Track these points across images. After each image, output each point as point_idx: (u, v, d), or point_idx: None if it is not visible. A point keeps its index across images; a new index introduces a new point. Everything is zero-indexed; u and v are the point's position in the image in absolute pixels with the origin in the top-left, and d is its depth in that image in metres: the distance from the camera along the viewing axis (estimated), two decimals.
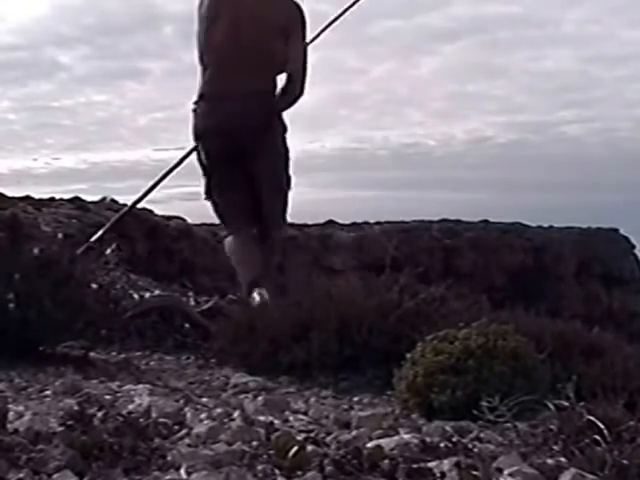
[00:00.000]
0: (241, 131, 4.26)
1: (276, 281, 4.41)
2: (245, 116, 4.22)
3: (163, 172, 5.02)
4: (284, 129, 4.50)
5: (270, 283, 4.38)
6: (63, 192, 14.05)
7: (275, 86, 4.44)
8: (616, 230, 33.83)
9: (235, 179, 4.48)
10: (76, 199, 13.77)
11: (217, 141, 4.39)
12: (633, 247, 33.17)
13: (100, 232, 5.20)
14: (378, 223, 27.03)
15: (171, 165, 4.96)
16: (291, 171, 4.49)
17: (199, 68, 4.48)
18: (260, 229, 4.60)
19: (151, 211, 17.57)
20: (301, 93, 4.32)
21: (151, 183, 5.12)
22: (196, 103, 4.42)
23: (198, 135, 4.47)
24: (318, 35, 4.73)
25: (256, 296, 4.30)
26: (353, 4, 4.86)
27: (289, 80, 4.33)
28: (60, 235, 6.68)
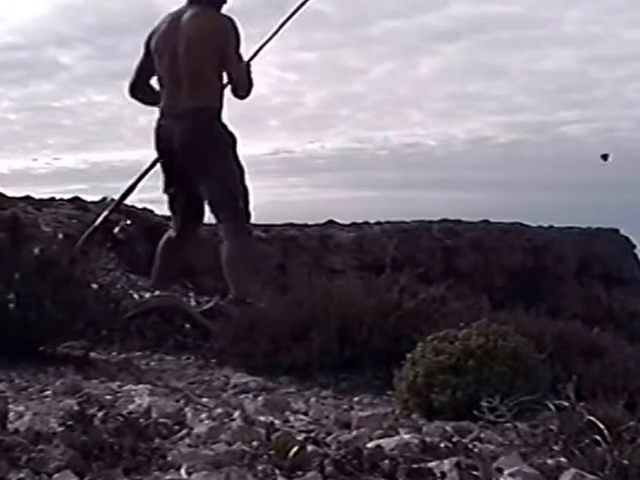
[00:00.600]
0: (177, 148, 4.63)
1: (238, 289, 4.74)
2: (180, 133, 4.59)
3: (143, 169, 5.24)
4: (233, 142, 4.77)
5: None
6: (63, 192, 14.03)
7: (219, 102, 4.76)
8: (616, 230, 33.81)
9: (182, 190, 4.88)
10: (76, 199, 13.74)
11: (166, 155, 4.81)
12: (633, 247, 33.15)
13: (86, 232, 5.48)
14: (378, 223, 27.00)
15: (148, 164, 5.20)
16: (246, 181, 4.80)
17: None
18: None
19: (151, 211, 17.56)
20: (245, 97, 4.71)
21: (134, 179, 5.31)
22: (157, 121, 4.85)
23: (157, 149, 4.89)
24: (260, 48, 5.07)
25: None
26: (291, 15, 5.32)
27: (233, 88, 4.74)
28: (60, 235, 6.68)
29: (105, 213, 5.69)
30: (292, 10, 5.35)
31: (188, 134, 4.63)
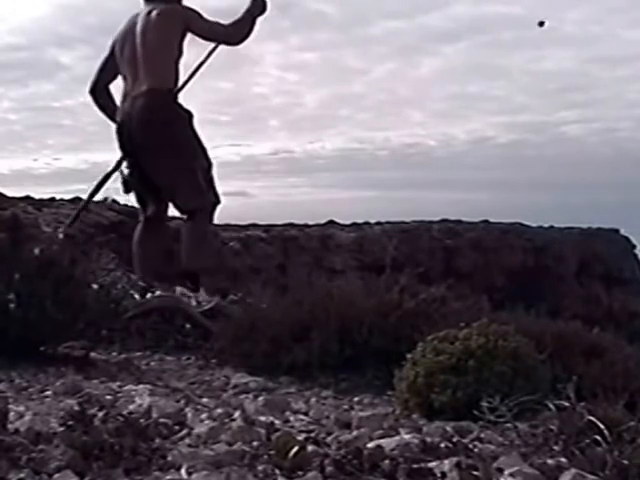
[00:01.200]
0: (135, 127, 4.83)
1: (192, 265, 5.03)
2: (137, 112, 4.82)
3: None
4: (189, 116, 4.94)
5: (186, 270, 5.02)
6: (64, 192, 14.03)
7: (173, 83, 4.96)
8: (616, 230, 33.82)
9: (142, 174, 5.03)
10: (77, 199, 13.75)
11: (125, 140, 4.99)
12: (633, 247, 33.16)
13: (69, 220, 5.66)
14: (378, 223, 27.02)
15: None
16: (207, 156, 4.97)
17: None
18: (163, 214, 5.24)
19: None
20: (240, 41, 5.19)
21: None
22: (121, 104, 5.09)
23: (118, 133, 5.09)
24: (187, 81, 5.25)
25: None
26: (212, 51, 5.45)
27: (224, 41, 5.21)
28: (60, 235, 6.67)
29: (75, 212, 5.86)
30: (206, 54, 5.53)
31: (144, 112, 4.83)
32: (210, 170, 5.08)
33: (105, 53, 5.23)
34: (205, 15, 5.03)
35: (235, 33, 5.19)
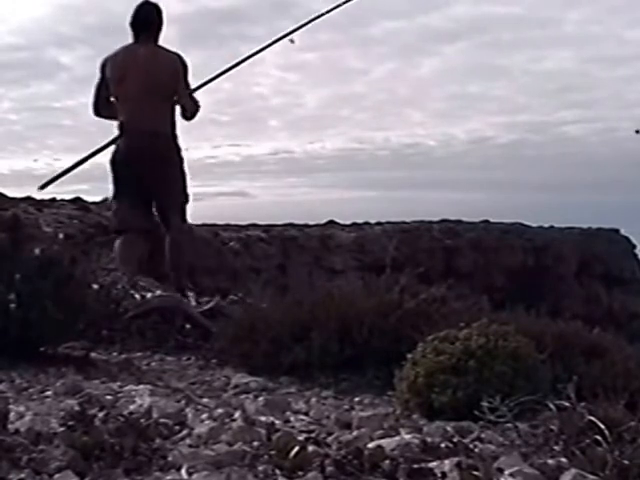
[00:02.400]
0: (144, 160, 5.46)
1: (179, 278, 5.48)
2: (148, 149, 5.46)
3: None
4: (181, 160, 5.67)
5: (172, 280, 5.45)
6: (64, 193, 13.99)
7: (172, 124, 5.59)
8: (617, 230, 33.79)
9: (135, 196, 5.63)
10: (77, 200, 13.74)
11: (128, 167, 5.53)
12: (634, 247, 33.13)
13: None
14: (379, 223, 26.98)
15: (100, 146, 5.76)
16: (188, 190, 5.77)
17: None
18: (154, 231, 5.82)
19: None
20: (192, 117, 5.62)
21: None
22: (118, 137, 5.58)
23: (115, 162, 5.60)
24: (206, 83, 5.85)
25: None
26: (242, 61, 6.08)
27: (182, 110, 5.62)
28: (61, 235, 6.68)
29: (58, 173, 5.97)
30: (249, 54, 6.18)
31: (152, 152, 5.47)
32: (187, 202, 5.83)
33: (97, 77, 5.65)
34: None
35: (194, 111, 5.65)
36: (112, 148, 5.63)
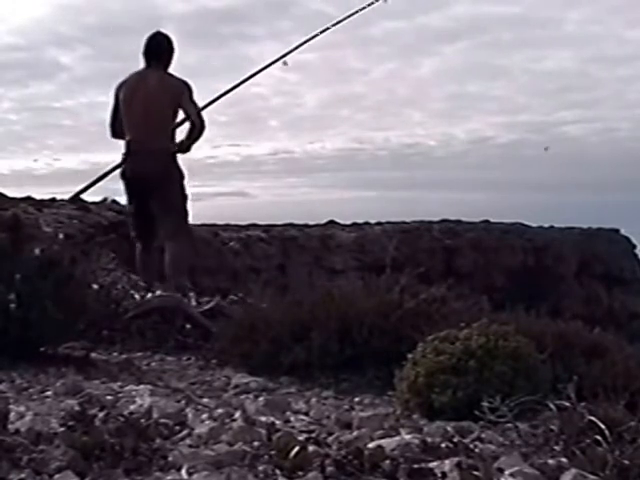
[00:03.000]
0: (148, 177, 5.86)
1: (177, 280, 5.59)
2: (151, 167, 5.83)
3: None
4: (182, 176, 6.01)
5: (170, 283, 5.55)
6: (64, 193, 13.97)
7: (173, 144, 5.94)
8: (617, 230, 33.77)
9: (143, 209, 5.99)
10: (78, 200, 13.70)
11: (135, 183, 5.96)
12: (634, 247, 33.10)
13: None
14: (379, 223, 26.95)
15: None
16: (188, 206, 6.12)
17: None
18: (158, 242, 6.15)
19: None
20: (199, 135, 5.85)
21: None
22: (125, 155, 5.98)
23: (125, 177, 6.02)
24: (213, 102, 6.59)
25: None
26: (246, 79, 6.77)
27: (191, 126, 5.85)
28: (61, 236, 6.68)
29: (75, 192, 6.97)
30: (251, 72, 6.82)
31: (154, 170, 5.84)
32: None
33: (112, 101, 6.06)
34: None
35: (202, 127, 5.89)
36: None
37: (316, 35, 6.87)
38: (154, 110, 5.83)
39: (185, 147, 5.92)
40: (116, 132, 6.10)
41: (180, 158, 6.01)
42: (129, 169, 5.95)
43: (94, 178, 6.39)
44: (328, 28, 6.91)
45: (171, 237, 5.88)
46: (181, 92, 5.83)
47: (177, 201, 5.98)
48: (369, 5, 7.10)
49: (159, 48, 5.96)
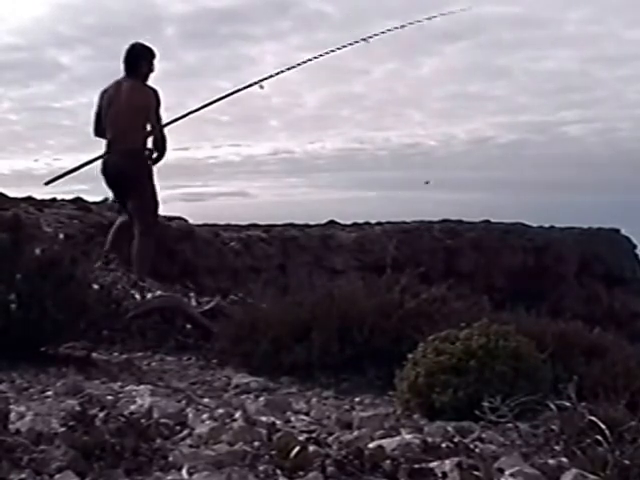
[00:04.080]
0: (121, 174, 6.51)
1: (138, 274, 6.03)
2: (121, 165, 6.46)
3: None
4: (150, 177, 6.58)
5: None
6: (65, 193, 13.96)
7: (144, 144, 6.51)
8: (617, 230, 33.75)
9: (123, 198, 6.80)
10: (78, 200, 13.72)
11: (111, 178, 6.67)
12: (634, 247, 33.10)
13: None
14: (379, 223, 26.93)
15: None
16: (158, 198, 6.73)
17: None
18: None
19: None
20: (162, 150, 6.51)
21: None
22: (105, 153, 6.61)
23: (103, 173, 6.66)
24: (176, 120, 6.77)
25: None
26: (215, 101, 6.97)
27: (154, 141, 6.54)
28: (61, 235, 6.69)
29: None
30: (227, 92, 7.13)
31: (124, 166, 6.45)
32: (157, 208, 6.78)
33: (95, 105, 6.70)
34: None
35: (163, 143, 6.49)
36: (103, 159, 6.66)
37: (298, 64, 7.35)
38: (127, 116, 6.40)
39: (155, 156, 6.50)
40: (98, 131, 6.70)
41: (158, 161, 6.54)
42: (107, 166, 6.52)
43: (74, 166, 6.78)
44: (310, 60, 7.38)
45: (138, 233, 6.44)
46: (149, 104, 6.40)
47: (145, 200, 6.50)
48: (350, 44, 7.54)
49: (136, 59, 6.46)
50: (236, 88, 7.13)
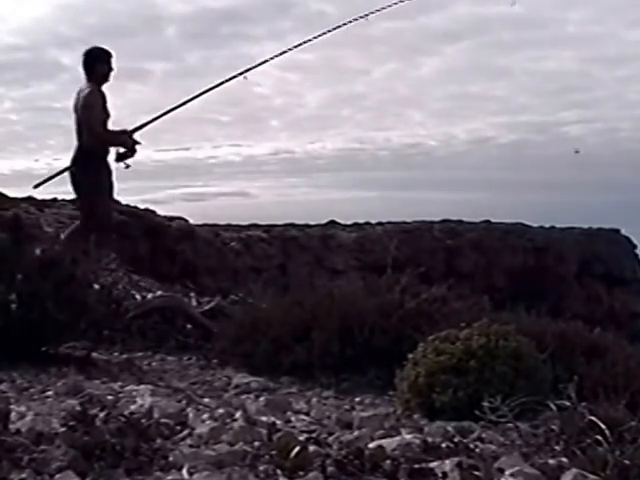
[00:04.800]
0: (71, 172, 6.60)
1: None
2: (72, 164, 6.56)
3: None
4: (96, 179, 6.48)
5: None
6: (65, 193, 13.97)
7: (90, 147, 6.47)
8: (617, 230, 33.79)
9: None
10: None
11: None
12: (634, 247, 33.14)
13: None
14: (380, 223, 27.00)
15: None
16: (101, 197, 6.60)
17: None
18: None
19: (153, 212, 17.55)
20: (92, 147, 6.45)
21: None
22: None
23: None
24: (146, 124, 6.75)
25: None
26: (187, 102, 6.84)
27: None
28: (62, 236, 6.70)
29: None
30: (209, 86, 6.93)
31: (75, 167, 6.48)
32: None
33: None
34: (98, 107, 6.48)
35: (100, 135, 6.46)
36: None
37: (283, 52, 7.18)
38: (78, 119, 6.56)
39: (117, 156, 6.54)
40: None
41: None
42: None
43: (62, 168, 6.77)
44: (300, 44, 7.21)
45: (78, 227, 6.57)
46: (86, 108, 6.51)
47: (88, 195, 6.57)
48: (349, 22, 7.33)
49: (87, 65, 6.58)
50: (220, 80, 7.01)
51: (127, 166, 6.62)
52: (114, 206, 7.05)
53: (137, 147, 6.61)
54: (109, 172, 6.55)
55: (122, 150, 6.53)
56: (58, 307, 3.71)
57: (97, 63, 6.61)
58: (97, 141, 6.50)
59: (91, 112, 6.46)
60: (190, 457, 1.93)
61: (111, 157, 6.53)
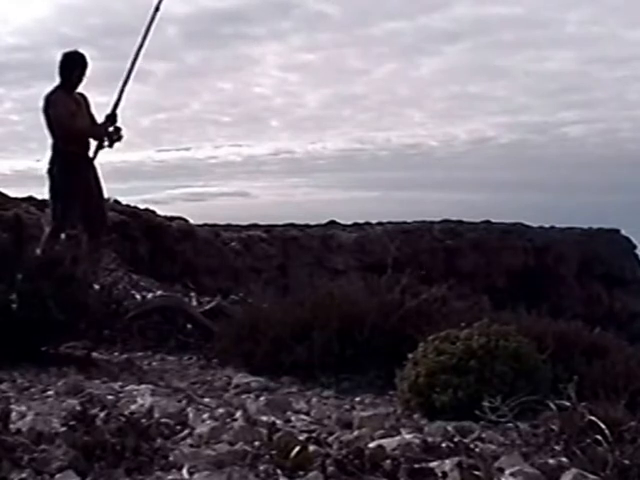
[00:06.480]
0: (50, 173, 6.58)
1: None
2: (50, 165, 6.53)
3: None
4: (62, 176, 6.46)
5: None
6: None
7: (61, 148, 6.45)
8: (617, 231, 33.82)
9: None
10: None
11: None
12: (634, 247, 33.16)
13: None
14: (380, 224, 27.03)
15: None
16: (60, 198, 6.47)
17: None
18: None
19: (153, 212, 17.57)
20: (64, 143, 6.45)
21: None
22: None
23: None
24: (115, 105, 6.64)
25: None
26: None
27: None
28: (63, 236, 6.69)
29: None
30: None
31: (50, 161, 6.47)
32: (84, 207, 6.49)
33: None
34: (61, 103, 6.47)
35: (71, 127, 6.46)
36: None
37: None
38: (48, 120, 6.54)
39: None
40: None
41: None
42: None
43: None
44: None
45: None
46: (49, 107, 6.49)
47: (54, 200, 6.52)
48: None
49: (60, 69, 6.58)
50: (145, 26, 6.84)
51: (111, 144, 6.55)
52: (105, 205, 7.03)
53: (120, 131, 6.51)
54: (86, 173, 6.49)
55: (105, 142, 6.48)
56: (59, 307, 3.71)
57: (69, 69, 6.57)
58: (69, 134, 6.48)
59: (55, 109, 6.44)
60: (190, 457, 1.93)
61: (90, 153, 6.49)
